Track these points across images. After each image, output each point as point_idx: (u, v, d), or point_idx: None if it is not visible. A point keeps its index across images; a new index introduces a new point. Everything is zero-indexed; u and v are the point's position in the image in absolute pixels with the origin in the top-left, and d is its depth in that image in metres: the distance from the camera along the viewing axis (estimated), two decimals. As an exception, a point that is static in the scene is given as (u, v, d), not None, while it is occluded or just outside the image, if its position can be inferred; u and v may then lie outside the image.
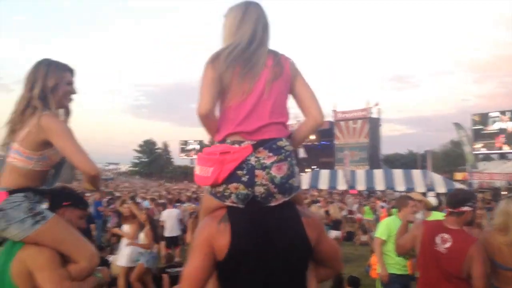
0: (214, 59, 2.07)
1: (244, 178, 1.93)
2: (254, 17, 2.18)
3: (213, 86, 2.04)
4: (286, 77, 2.12)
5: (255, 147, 1.96)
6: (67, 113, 2.63)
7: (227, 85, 2.03)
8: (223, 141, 2.01)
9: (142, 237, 7.81)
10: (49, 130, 2.35)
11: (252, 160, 1.94)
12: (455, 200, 3.51)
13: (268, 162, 1.94)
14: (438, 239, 3.42)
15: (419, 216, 5.18)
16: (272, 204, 1.97)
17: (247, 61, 2.05)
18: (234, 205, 1.96)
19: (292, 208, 2.03)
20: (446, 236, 3.40)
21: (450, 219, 3.49)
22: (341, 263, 2.29)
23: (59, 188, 2.61)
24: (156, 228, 8.04)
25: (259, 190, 1.94)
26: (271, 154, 1.96)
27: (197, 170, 2.01)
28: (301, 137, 2.17)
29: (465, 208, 3.43)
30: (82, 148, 2.37)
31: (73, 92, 2.62)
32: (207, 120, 2.05)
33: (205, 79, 2.05)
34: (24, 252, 2.36)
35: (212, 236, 1.91)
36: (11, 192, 2.40)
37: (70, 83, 2.60)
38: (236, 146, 1.96)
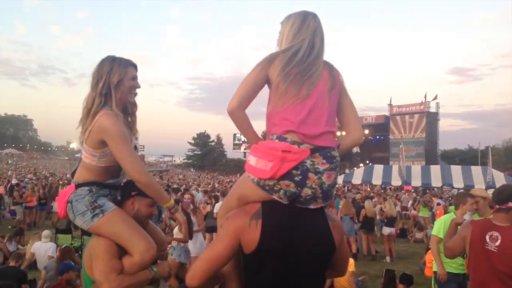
0: (270, 62, 2.15)
1: (297, 178, 2.00)
2: (312, 27, 2.26)
3: (253, 86, 2.15)
4: (338, 91, 2.23)
5: (313, 151, 2.04)
6: (134, 107, 2.75)
7: (285, 89, 2.08)
8: (282, 138, 2.06)
9: (176, 231, 7.94)
10: (105, 131, 2.44)
11: (308, 163, 2.02)
12: (501, 196, 3.42)
13: (321, 168, 2.04)
14: (487, 238, 3.34)
15: (467, 217, 5.01)
16: (312, 206, 2.08)
17: (306, 69, 2.13)
18: (280, 200, 2.04)
19: (322, 211, 2.14)
20: (495, 234, 3.31)
21: (498, 216, 3.39)
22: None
23: (128, 180, 2.69)
24: (190, 222, 8.06)
25: (306, 192, 2.03)
26: (325, 161, 2.05)
27: (252, 161, 2.08)
28: (342, 150, 2.25)
29: None
30: (134, 154, 2.49)
31: (137, 86, 2.70)
32: (233, 116, 2.15)
33: (249, 76, 2.16)
34: (91, 241, 2.56)
35: (241, 230, 2.01)
36: (78, 185, 2.56)
37: (134, 78, 2.67)
38: (296, 147, 2.02)
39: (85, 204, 2.50)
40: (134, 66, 2.71)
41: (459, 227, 3.91)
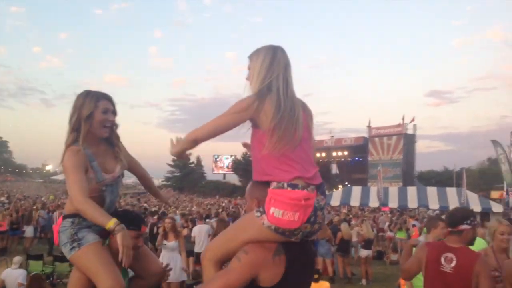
0: (260, 104, 2.19)
1: (312, 219, 2.15)
2: (283, 62, 2.34)
3: (227, 128, 2.24)
4: (312, 128, 2.43)
5: (316, 191, 2.19)
6: (116, 139, 2.81)
7: (281, 134, 2.17)
8: (294, 185, 2.13)
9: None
10: (63, 166, 2.58)
11: (315, 202, 2.17)
12: (453, 219, 3.51)
13: (322, 204, 2.22)
14: (443, 259, 3.40)
15: (421, 238, 5.09)
16: (312, 238, 2.30)
17: (292, 112, 2.23)
18: (295, 240, 2.19)
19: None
20: (450, 255, 3.38)
21: (451, 238, 3.47)
22: None
23: (115, 211, 2.77)
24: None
25: (315, 227, 2.20)
26: (323, 197, 2.23)
27: (278, 214, 2.11)
28: None
29: (464, 227, 3.42)
30: (79, 183, 2.50)
31: (110, 119, 2.73)
32: (193, 145, 2.29)
33: (228, 118, 2.22)
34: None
35: (261, 265, 2.14)
36: (65, 217, 2.66)
37: (106, 111, 2.71)
38: (310, 192, 2.14)
39: (67, 236, 2.58)
40: (108, 99, 2.74)
41: (414, 249, 3.98)
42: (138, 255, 2.73)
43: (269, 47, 2.38)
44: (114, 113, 2.77)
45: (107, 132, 2.73)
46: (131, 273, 2.86)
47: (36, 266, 10.25)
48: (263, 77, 2.27)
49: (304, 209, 2.10)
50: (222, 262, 2.29)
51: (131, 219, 2.70)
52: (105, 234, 2.62)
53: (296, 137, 2.20)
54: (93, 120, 2.66)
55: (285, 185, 2.13)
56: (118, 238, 2.39)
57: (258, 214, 2.18)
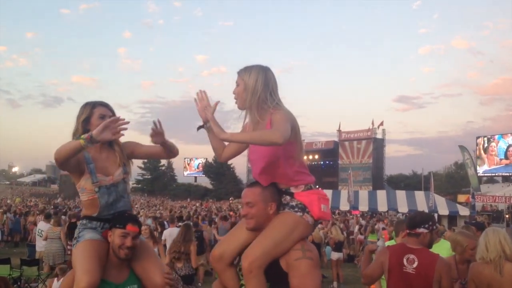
0: (295, 119, 2.58)
1: None
2: (274, 81, 2.66)
3: (293, 128, 2.48)
4: None
5: None
6: (114, 143, 2.90)
7: (301, 145, 2.62)
8: (315, 186, 2.70)
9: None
10: None
11: None
12: (412, 222, 3.62)
13: None
14: (405, 261, 3.49)
15: (380, 243, 5.18)
16: None
17: None
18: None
19: None
20: (412, 256, 3.47)
21: (411, 240, 3.58)
22: None
23: (114, 214, 2.83)
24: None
25: None
26: None
27: (325, 209, 2.57)
28: None
29: (421, 230, 3.52)
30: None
31: None
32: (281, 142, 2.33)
33: (292, 120, 2.50)
34: None
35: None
36: (81, 219, 2.91)
37: (103, 116, 2.84)
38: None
39: (75, 236, 2.82)
40: (104, 105, 2.93)
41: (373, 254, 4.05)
42: (135, 259, 2.80)
43: (260, 67, 2.62)
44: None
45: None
46: None
47: (4, 270, 9.99)
48: (260, 93, 2.53)
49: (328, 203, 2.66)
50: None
51: (117, 218, 2.77)
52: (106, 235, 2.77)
53: (303, 148, 2.64)
54: (91, 125, 2.81)
55: (313, 186, 2.62)
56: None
57: (300, 213, 2.49)
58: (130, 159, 3.02)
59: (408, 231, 3.62)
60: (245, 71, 2.60)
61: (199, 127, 2.75)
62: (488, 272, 3.48)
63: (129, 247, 2.69)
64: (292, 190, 2.55)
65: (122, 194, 2.88)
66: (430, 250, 3.59)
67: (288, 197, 2.58)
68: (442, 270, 3.38)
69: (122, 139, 2.86)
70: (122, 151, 2.93)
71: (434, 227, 3.63)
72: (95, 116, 2.85)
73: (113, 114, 2.90)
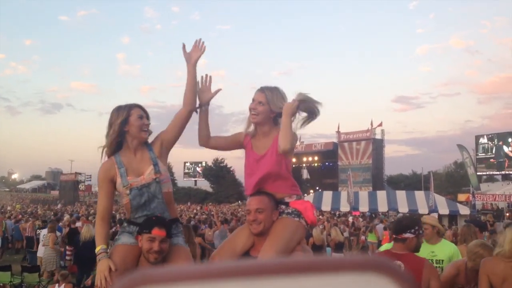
0: None
1: None
2: None
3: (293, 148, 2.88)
4: None
5: None
6: (147, 144, 2.97)
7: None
8: (302, 197, 2.94)
9: None
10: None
11: None
12: (398, 226, 3.58)
13: None
14: None
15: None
16: None
17: None
18: None
19: None
20: (398, 262, 3.39)
21: (397, 246, 3.55)
22: None
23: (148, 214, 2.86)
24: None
25: None
26: None
27: (316, 214, 2.97)
28: None
29: (407, 235, 3.48)
30: (99, 205, 2.95)
31: (146, 123, 2.91)
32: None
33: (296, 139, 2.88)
34: None
35: None
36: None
37: (141, 117, 2.89)
38: None
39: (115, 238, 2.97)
40: (139, 107, 2.94)
41: None
42: (169, 263, 2.76)
43: (279, 88, 2.93)
44: (148, 118, 2.94)
45: (146, 134, 2.91)
46: None
47: (5, 277, 9.99)
48: (278, 112, 2.82)
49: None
50: None
51: (144, 222, 2.77)
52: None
53: None
54: (130, 126, 2.85)
55: (302, 197, 2.93)
56: (99, 265, 2.67)
57: (297, 219, 2.75)
58: (166, 150, 3.02)
59: (394, 236, 3.59)
60: (267, 89, 2.87)
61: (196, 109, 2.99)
62: (503, 267, 3.46)
63: (157, 251, 2.67)
64: (287, 199, 2.82)
65: (156, 194, 2.85)
66: (434, 251, 3.56)
67: (283, 206, 2.81)
68: (430, 274, 3.36)
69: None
70: (153, 151, 2.95)
71: (421, 231, 3.60)
72: (134, 117, 2.86)
73: (147, 114, 2.94)
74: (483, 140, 49.00)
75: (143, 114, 2.91)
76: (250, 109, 2.85)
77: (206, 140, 3.01)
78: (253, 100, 2.85)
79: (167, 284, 0.37)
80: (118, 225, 12.40)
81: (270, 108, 2.80)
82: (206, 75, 3.09)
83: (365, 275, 0.37)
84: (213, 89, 3.11)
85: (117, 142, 2.88)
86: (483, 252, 3.96)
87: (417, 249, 3.57)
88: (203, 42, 3.05)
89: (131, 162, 2.87)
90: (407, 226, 3.52)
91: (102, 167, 2.91)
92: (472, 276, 3.95)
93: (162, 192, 2.87)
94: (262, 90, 2.85)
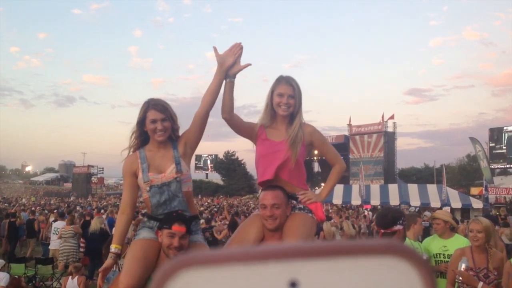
0: None
1: None
2: None
3: None
4: None
5: None
6: (171, 142, 2.96)
7: None
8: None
9: None
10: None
11: None
12: (386, 220, 3.54)
13: None
14: None
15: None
16: None
17: None
18: None
19: None
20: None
21: None
22: None
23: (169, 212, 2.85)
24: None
25: None
26: None
27: (324, 212, 3.00)
28: None
29: (397, 227, 3.47)
30: (123, 197, 3.04)
31: (159, 128, 2.85)
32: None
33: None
34: None
35: None
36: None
37: (155, 121, 2.85)
38: None
39: (136, 231, 2.99)
40: (155, 109, 2.86)
41: None
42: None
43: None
44: (164, 120, 2.86)
45: (161, 136, 2.87)
46: None
47: (18, 269, 10.12)
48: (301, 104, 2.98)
49: None
50: None
51: (165, 218, 2.77)
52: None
53: None
54: (147, 128, 2.89)
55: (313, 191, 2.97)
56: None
57: (310, 214, 2.81)
58: (191, 150, 3.02)
59: (383, 231, 3.51)
60: (293, 81, 2.91)
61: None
62: None
63: (177, 247, 2.67)
64: (298, 195, 2.88)
65: (176, 193, 2.84)
66: (446, 245, 3.52)
67: (294, 201, 2.84)
68: None
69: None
70: (178, 149, 2.94)
71: (405, 222, 3.62)
72: (148, 121, 2.87)
73: (165, 115, 2.87)
74: (497, 133, 48.45)
75: (157, 117, 2.84)
76: (280, 104, 2.85)
77: (229, 113, 2.89)
78: (282, 93, 2.85)
79: (213, 266, 0.39)
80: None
81: (298, 102, 2.91)
82: (238, 43, 2.87)
83: (386, 258, 0.40)
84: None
85: (141, 139, 2.94)
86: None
87: (404, 239, 3.60)
88: (241, 48, 2.85)
89: (154, 158, 2.89)
90: (395, 218, 3.50)
91: (126, 160, 2.96)
92: (479, 258, 4.00)
93: (183, 191, 2.87)
94: (290, 83, 2.89)
